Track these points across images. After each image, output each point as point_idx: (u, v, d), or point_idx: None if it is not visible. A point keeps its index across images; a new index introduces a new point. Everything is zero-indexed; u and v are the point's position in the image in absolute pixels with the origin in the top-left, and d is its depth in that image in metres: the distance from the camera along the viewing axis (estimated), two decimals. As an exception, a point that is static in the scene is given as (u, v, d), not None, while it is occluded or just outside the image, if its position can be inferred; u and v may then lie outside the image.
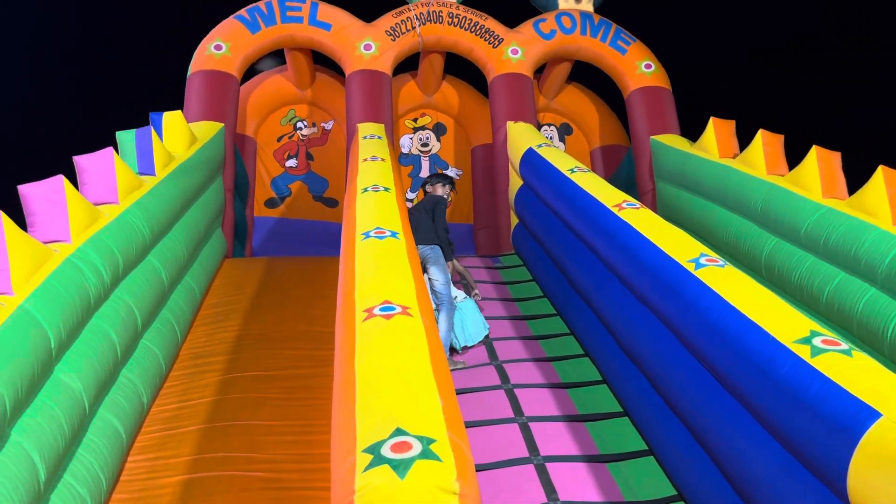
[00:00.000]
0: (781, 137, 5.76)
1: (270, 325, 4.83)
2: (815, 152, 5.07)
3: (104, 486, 3.08)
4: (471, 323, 4.78)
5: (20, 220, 3.36)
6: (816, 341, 2.61)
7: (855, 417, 2.25)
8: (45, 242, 3.52)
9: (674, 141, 7.06)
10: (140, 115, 5.75)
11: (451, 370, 4.42)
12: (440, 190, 5.40)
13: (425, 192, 5.47)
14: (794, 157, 5.42)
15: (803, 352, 2.58)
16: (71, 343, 3.20)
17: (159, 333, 4.20)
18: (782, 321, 2.79)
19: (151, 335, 4.10)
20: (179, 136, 5.70)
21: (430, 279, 4.67)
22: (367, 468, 1.75)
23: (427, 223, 4.90)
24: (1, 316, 2.76)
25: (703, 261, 3.41)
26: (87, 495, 2.91)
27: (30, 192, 3.63)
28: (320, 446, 3.46)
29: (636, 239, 3.92)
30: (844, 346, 2.59)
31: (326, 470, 3.24)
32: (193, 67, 7.10)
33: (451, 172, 8.44)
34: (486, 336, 4.82)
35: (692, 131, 7.01)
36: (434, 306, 4.60)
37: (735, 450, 2.86)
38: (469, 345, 4.72)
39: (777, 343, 2.68)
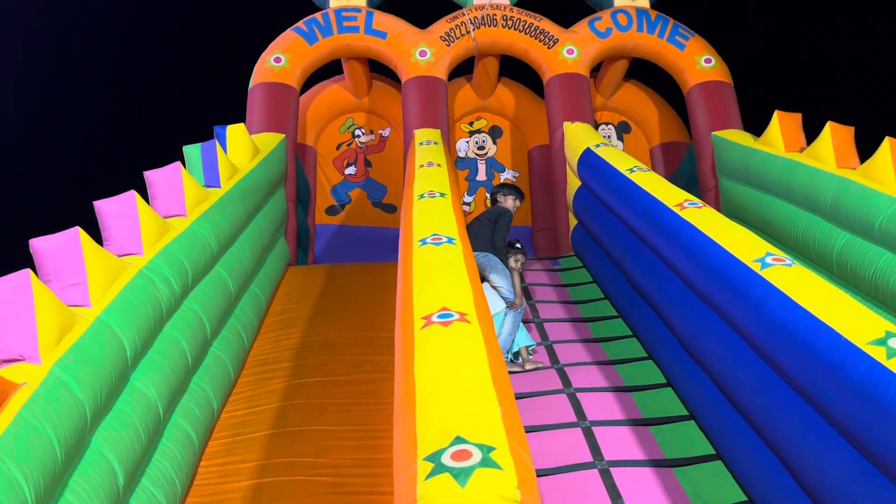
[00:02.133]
0: (851, 129, 5.54)
1: (333, 331, 4.92)
2: (888, 144, 4.86)
3: (179, 490, 3.19)
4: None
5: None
6: (892, 342, 2.51)
7: (935, 422, 2.16)
8: (120, 255, 3.68)
9: (736, 136, 6.87)
10: (206, 128, 5.96)
11: (512, 372, 4.41)
12: (510, 202, 5.30)
13: (494, 202, 5.42)
14: (865, 150, 5.22)
15: (878, 353, 2.48)
16: (145, 352, 3.33)
17: (227, 341, 4.33)
18: (855, 322, 2.69)
19: (220, 343, 4.23)
20: (243, 148, 5.86)
21: (493, 287, 4.63)
22: (428, 476, 1.77)
23: (485, 234, 4.88)
24: (80, 328, 2.89)
25: (769, 260, 3.31)
26: (163, 499, 3.02)
27: (105, 207, 3.80)
28: (384, 451, 3.50)
29: (699, 239, 3.84)
30: (923, 347, 2.48)
31: (391, 474, 3.28)
32: (254, 80, 7.29)
33: (507, 175, 8.43)
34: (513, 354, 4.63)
35: (756, 127, 6.81)
36: (502, 311, 4.60)
37: (808, 455, 2.77)
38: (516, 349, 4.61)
39: (850, 345, 2.59)
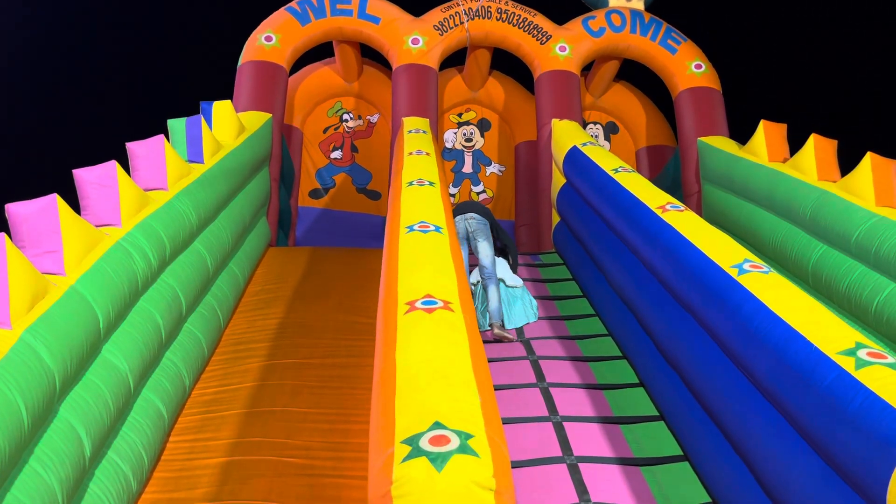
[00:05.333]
0: (835, 143, 5.61)
1: (311, 314, 4.90)
2: (869, 159, 4.93)
3: (146, 464, 3.17)
4: (520, 306, 5.03)
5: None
6: (862, 353, 2.55)
7: (900, 433, 2.20)
8: (97, 226, 3.63)
9: (722, 143, 6.93)
10: (192, 104, 5.88)
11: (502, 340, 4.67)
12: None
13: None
14: (846, 163, 5.29)
15: (847, 363, 2.52)
16: (118, 324, 3.30)
17: (203, 318, 4.29)
18: (827, 331, 2.73)
19: (195, 320, 4.20)
20: (228, 125, 5.80)
21: (478, 254, 4.91)
22: (404, 459, 1.77)
23: (484, 207, 5.22)
24: (53, 296, 2.85)
25: (746, 266, 3.35)
26: (130, 472, 3.00)
27: (84, 176, 3.74)
28: (355, 435, 3.50)
29: (679, 242, 3.87)
30: (891, 359, 2.53)
31: (360, 459, 3.29)
32: (244, 58, 7.21)
33: (493, 168, 8.44)
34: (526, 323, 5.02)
35: (742, 134, 6.87)
36: (481, 282, 4.89)
37: (773, 459, 2.81)
38: (512, 327, 4.96)
39: (820, 354, 2.62)
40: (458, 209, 5.24)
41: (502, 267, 5.20)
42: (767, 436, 2.87)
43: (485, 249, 4.89)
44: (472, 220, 5.06)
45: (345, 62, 7.97)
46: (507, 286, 5.09)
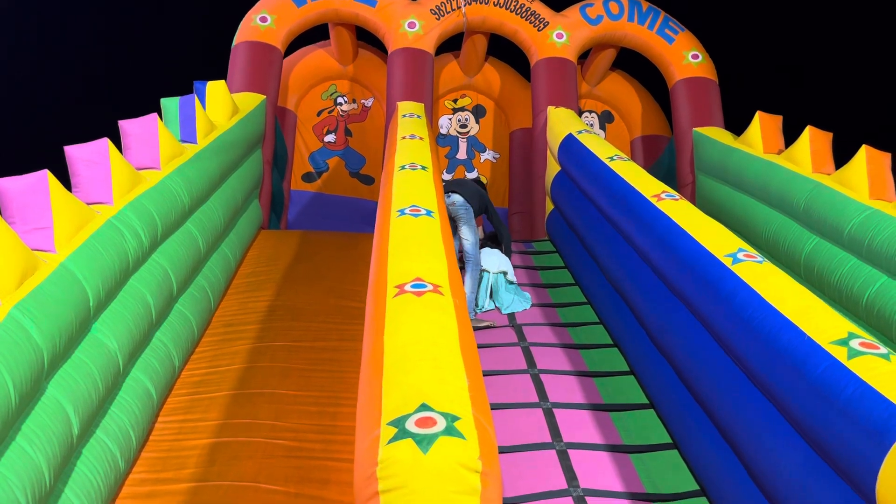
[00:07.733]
0: (830, 135, 5.62)
1: (302, 297, 4.88)
2: (864, 152, 4.94)
3: (133, 443, 3.16)
4: (516, 295, 5.04)
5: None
6: (854, 343, 2.56)
7: (889, 422, 2.21)
8: (89, 203, 3.60)
9: (717, 134, 6.92)
10: (186, 83, 5.83)
11: (476, 328, 4.57)
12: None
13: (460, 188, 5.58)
14: (842, 156, 5.29)
15: (839, 353, 2.52)
16: (108, 303, 3.28)
17: (193, 299, 4.27)
18: (819, 321, 2.74)
19: (186, 300, 4.17)
20: (222, 105, 5.75)
21: (459, 238, 4.87)
22: (390, 441, 1.77)
23: (474, 193, 5.12)
24: (43, 272, 2.83)
25: (740, 256, 3.35)
26: (117, 451, 2.99)
27: (75, 153, 3.71)
28: (344, 418, 3.50)
29: (673, 230, 3.87)
30: (883, 349, 2.53)
31: (349, 441, 3.29)
32: (238, 38, 7.15)
33: (488, 155, 8.41)
34: (517, 312, 5.00)
35: (737, 125, 6.87)
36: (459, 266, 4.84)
37: (762, 448, 2.82)
38: (508, 312, 4.97)
39: (813, 343, 2.63)
40: (445, 188, 5.19)
41: (504, 260, 5.17)
42: (758, 425, 2.88)
43: (465, 233, 4.87)
44: (451, 206, 4.99)
45: (340, 45, 7.91)
46: (507, 281, 5.09)
